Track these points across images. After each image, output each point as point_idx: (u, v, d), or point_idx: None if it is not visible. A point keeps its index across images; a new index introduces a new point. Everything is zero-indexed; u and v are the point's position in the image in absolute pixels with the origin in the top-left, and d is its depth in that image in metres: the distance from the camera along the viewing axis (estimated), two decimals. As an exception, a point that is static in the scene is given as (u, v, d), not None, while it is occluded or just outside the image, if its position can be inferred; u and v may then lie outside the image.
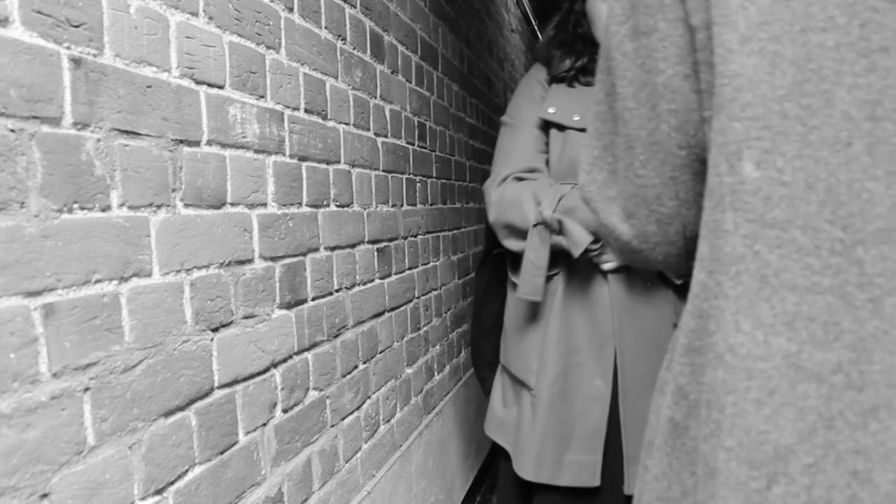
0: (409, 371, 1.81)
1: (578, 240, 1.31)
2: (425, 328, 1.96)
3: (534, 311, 1.48)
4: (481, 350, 1.72)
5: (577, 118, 1.43)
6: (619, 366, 1.38)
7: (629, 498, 1.38)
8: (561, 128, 1.45)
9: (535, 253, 1.38)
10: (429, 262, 2.01)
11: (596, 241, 1.33)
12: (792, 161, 0.33)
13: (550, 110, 1.46)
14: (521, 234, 1.42)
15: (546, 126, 1.48)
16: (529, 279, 1.39)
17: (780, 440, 0.32)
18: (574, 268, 1.42)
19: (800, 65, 0.33)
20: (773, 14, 0.34)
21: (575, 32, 1.48)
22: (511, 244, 1.47)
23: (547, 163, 1.49)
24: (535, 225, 1.37)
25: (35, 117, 0.66)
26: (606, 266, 1.38)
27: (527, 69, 2.16)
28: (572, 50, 1.49)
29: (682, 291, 1.42)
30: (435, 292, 2.07)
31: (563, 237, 1.34)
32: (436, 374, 2.07)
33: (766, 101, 0.34)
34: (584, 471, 1.39)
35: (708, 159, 0.38)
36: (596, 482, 1.38)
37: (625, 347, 1.38)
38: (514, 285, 1.53)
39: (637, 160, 0.47)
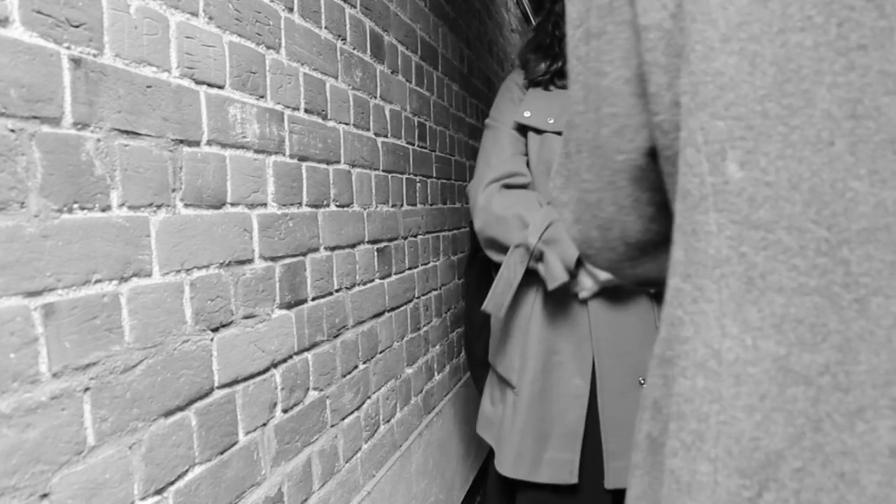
0: (409, 371, 1.81)
1: (555, 274, 1.34)
2: (425, 328, 1.96)
3: (517, 312, 1.50)
4: (473, 350, 1.75)
5: (551, 121, 1.45)
6: (596, 364, 1.41)
7: (610, 493, 1.40)
8: (538, 131, 1.48)
9: (510, 271, 1.41)
10: (429, 262, 2.01)
11: (573, 275, 1.36)
12: (775, 161, 0.33)
13: (526, 114, 1.48)
14: (503, 248, 1.45)
15: (524, 129, 1.50)
16: (498, 295, 1.42)
17: (771, 446, 0.32)
18: None
19: (780, 65, 0.33)
20: (752, 14, 0.34)
21: (553, 34, 1.50)
22: (492, 255, 1.50)
23: (528, 164, 1.52)
24: (517, 246, 1.39)
25: (35, 117, 0.66)
26: (582, 295, 1.41)
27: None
28: (548, 53, 1.50)
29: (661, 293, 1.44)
30: (435, 292, 2.07)
31: (542, 266, 1.37)
32: (436, 374, 2.07)
33: (747, 101, 0.34)
34: (562, 468, 1.41)
35: (679, 159, 0.38)
36: (574, 479, 1.41)
37: (601, 346, 1.41)
38: None
39: (583, 164, 0.47)
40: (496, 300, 1.42)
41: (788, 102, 0.33)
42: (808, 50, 0.32)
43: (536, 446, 1.42)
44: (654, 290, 1.44)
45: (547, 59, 1.50)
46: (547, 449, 1.42)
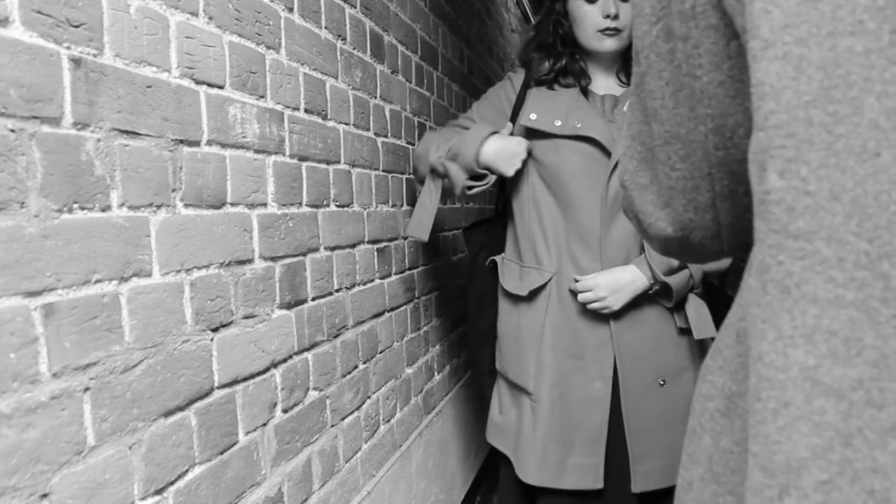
0: (409, 371, 1.81)
1: (456, 180, 1.40)
2: (425, 328, 1.96)
3: (529, 317, 1.48)
4: (479, 358, 1.73)
5: (558, 123, 1.42)
6: (618, 367, 1.39)
7: (636, 497, 1.39)
8: (544, 135, 1.45)
9: (427, 196, 1.47)
10: (429, 263, 2.01)
11: (478, 178, 1.41)
12: (817, 170, 0.32)
13: (532, 116, 1.44)
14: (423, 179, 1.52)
15: (531, 134, 1.47)
16: (419, 219, 1.47)
17: (793, 453, 0.32)
18: (565, 273, 1.43)
19: (827, 70, 0.32)
20: (799, 16, 0.33)
21: (555, 33, 1.49)
22: (419, 187, 1.58)
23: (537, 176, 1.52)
24: (431, 171, 1.44)
25: (35, 117, 0.66)
26: (606, 311, 1.39)
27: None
28: (551, 52, 1.49)
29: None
30: (435, 292, 2.07)
31: (448, 181, 1.41)
32: (436, 374, 2.07)
33: (790, 108, 0.33)
34: (587, 473, 1.39)
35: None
36: (599, 484, 1.39)
37: (623, 349, 1.39)
38: (506, 293, 1.55)
39: (676, 155, 0.48)
40: (417, 226, 1.47)
41: (834, 109, 0.32)
42: (858, 56, 0.31)
43: (560, 452, 1.40)
44: (670, 304, 1.45)
45: (550, 58, 1.49)
46: (571, 454, 1.40)
